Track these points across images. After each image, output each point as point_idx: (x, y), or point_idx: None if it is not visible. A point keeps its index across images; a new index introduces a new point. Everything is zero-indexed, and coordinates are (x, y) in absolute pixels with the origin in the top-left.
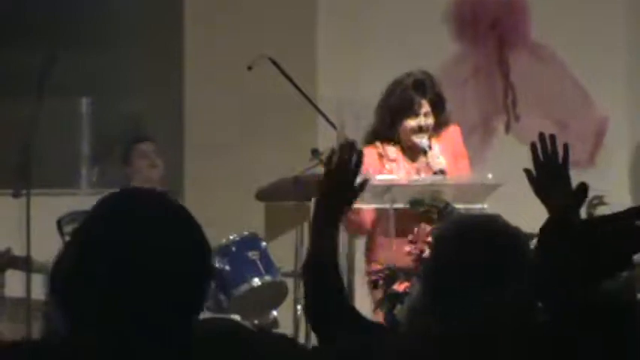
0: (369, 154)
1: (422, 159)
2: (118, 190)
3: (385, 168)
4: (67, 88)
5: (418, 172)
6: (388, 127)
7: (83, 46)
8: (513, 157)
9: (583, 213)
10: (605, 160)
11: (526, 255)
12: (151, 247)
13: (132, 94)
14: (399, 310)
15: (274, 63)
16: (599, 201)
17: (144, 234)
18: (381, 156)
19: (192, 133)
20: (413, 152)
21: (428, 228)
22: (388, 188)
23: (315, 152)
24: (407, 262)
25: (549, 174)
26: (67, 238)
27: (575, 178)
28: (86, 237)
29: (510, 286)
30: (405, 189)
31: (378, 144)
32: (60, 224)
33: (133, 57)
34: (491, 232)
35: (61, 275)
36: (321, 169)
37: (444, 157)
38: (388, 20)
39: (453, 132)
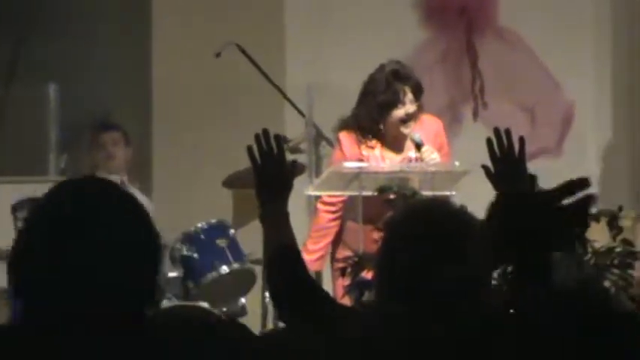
0: (347, 138)
1: (411, 152)
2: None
3: (362, 154)
4: (34, 75)
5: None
6: (373, 120)
7: (50, 33)
8: (481, 143)
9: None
10: (573, 146)
11: (472, 233)
12: (98, 235)
13: (100, 81)
14: (367, 297)
15: (242, 50)
16: None
17: (91, 222)
18: (359, 141)
19: (160, 121)
20: (398, 144)
21: None
22: (357, 175)
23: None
24: (375, 249)
25: (507, 169)
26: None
27: (544, 165)
28: (32, 224)
29: (460, 262)
30: (374, 176)
31: (356, 131)
32: (15, 210)
33: (101, 43)
34: (436, 214)
35: (12, 262)
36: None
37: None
38: (356, 7)
39: (435, 125)
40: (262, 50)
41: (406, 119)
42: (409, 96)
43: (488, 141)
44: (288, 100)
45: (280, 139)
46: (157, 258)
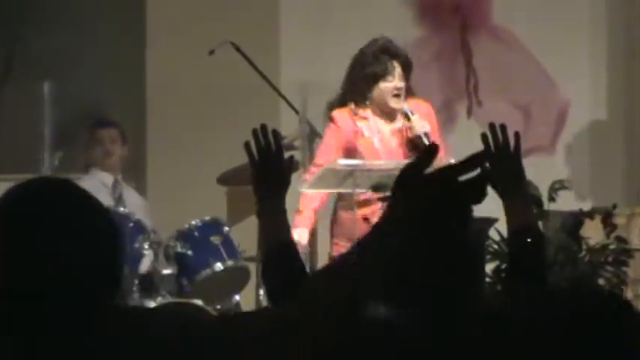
0: (341, 114)
1: (402, 122)
2: (76, 174)
3: (357, 125)
4: (28, 73)
5: (400, 133)
6: (362, 93)
7: (45, 30)
8: (475, 141)
9: (545, 196)
10: (567, 144)
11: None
12: (52, 235)
13: (95, 79)
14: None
15: (237, 48)
16: (561, 185)
17: (45, 222)
18: (353, 113)
19: (155, 118)
20: (389, 117)
21: None
22: (351, 173)
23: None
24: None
25: (502, 164)
26: None
27: (538, 162)
28: None
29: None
30: (369, 174)
31: (349, 104)
32: None
33: (96, 41)
34: None
35: None
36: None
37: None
38: (351, 5)
39: (425, 107)
40: (257, 48)
41: (397, 94)
42: (398, 70)
43: (483, 136)
44: (283, 97)
45: (278, 135)
46: (115, 255)
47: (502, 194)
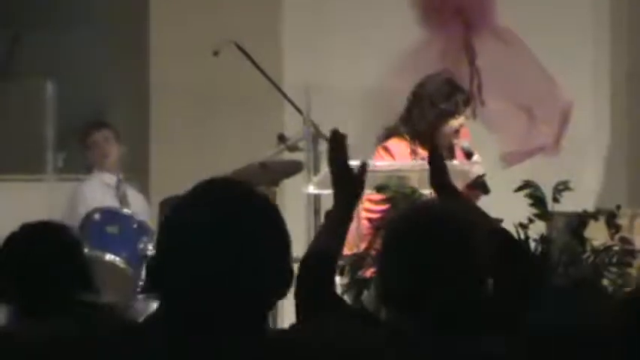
0: (398, 145)
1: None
2: (80, 175)
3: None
4: (31, 72)
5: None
6: (431, 129)
7: (47, 30)
8: (480, 142)
9: (549, 198)
10: (571, 145)
11: (474, 235)
12: (234, 241)
13: (97, 79)
14: (366, 296)
15: (240, 48)
16: (565, 186)
17: (228, 228)
18: (414, 152)
19: (158, 118)
20: (449, 153)
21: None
22: None
23: (281, 137)
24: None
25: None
26: None
27: (542, 164)
28: (168, 228)
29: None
30: (373, 175)
31: (407, 138)
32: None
33: (99, 41)
34: (439, 215)
35: (150, 264)
36: (287, 154)
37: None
38: (354, 6)
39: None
40: (261, 49)
41: (457, 131)
42: (464, 108)
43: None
44: (287, 98)
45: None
46: (287, 259)
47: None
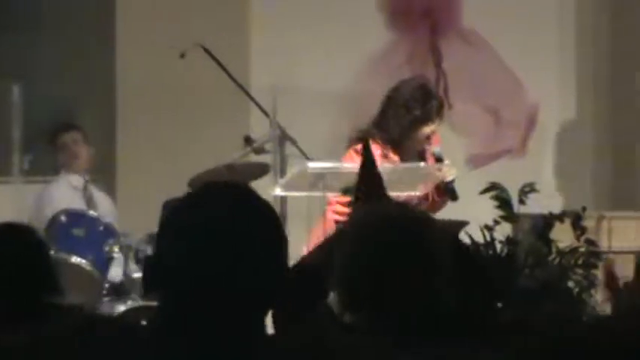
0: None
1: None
2: (47, 177)
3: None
4: None
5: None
6: (405, 134)
7: (13, 32)
8: (446, 144)
9: (515, 200)
10: (537, 147)
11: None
12: (230, 242)
13: (64, 80)
14: (331, 298)
15: (206, 51)
16: (531, 188)
17: (224, 230)
18: (385, 156)
19: (125, 120)
20: (415, 159)
21: None
22: (322, 175)
23: (248, 140)
24: None
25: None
26: None
27: (508, 165)
28: (165, 230)
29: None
30: (339, 176)
31: (379, 142)
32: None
33: (65, 43)
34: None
35: (148, 265)
36: (254, 157)
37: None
38: (322, 8)
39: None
40: (227, 51)
41: (429, 137)
42: (438, 114)
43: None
44: (253, 100)
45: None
46: (284, 260)
47: None
